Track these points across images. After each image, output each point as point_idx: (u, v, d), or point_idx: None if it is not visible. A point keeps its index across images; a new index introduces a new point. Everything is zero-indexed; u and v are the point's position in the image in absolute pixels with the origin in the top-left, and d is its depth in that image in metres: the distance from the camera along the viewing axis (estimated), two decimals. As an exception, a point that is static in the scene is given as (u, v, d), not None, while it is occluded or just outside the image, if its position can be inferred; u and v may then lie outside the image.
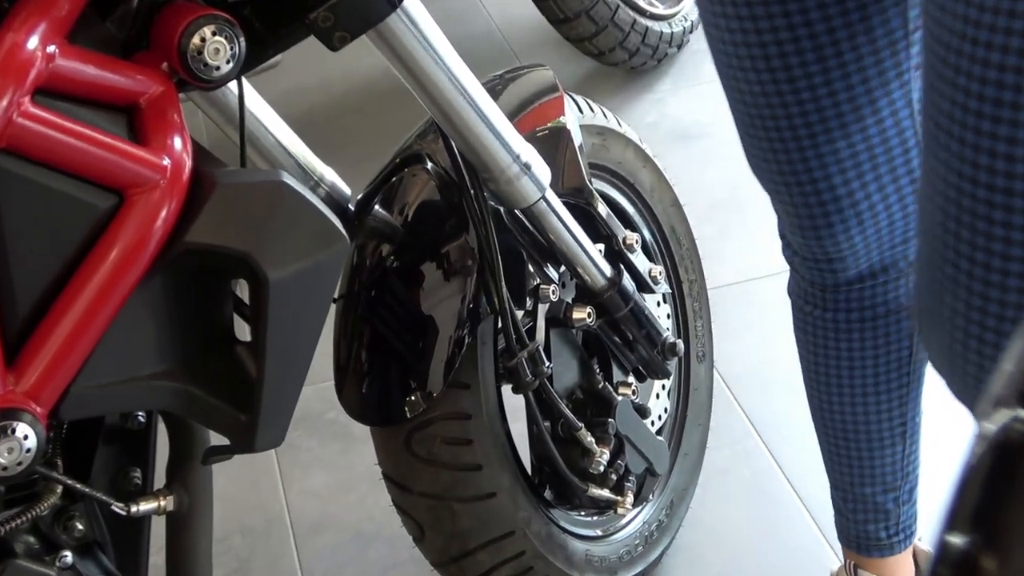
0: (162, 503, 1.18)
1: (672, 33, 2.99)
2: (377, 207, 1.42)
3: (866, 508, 1.56)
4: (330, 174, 1.44)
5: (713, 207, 2.55)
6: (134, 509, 1.15)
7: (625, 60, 2.93)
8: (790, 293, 1.49)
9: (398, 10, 1.16)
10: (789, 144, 1.25)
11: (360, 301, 1.41)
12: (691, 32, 3.08)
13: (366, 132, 2.93)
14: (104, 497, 1.13)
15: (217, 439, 1.16)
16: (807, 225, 1.32)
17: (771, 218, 2.56)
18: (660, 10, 2.97)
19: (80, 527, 1.14)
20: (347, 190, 1.47)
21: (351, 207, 1.48)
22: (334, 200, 1.44)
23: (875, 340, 1.43)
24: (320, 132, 2.93)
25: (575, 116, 1.56)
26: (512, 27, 3.27)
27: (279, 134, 1.38)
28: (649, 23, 2.91)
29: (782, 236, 1.44)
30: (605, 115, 1.68)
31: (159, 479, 1.23)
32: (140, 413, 1.18)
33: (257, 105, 1.37)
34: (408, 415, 1.39)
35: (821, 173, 1.26)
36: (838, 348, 1.45)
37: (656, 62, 3.01)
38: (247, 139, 1.27)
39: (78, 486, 1.11)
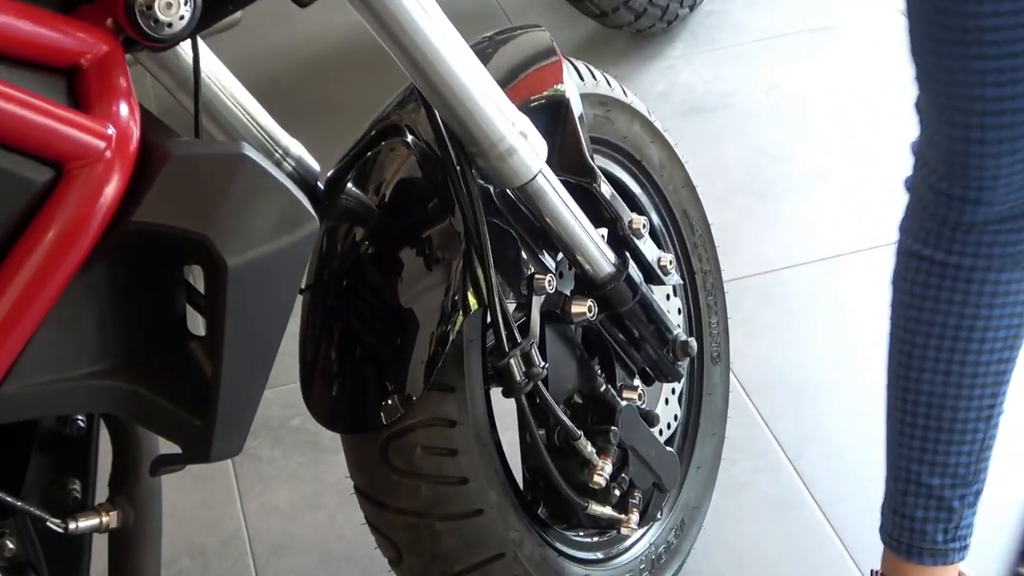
0: (104, 519, 1.18)
1: (684, -8, 3.00)
2: (350, 185, 1.43)
3: (928, 503, 1.57)
4: (296, 147, 1.43)
5: (731, 189, 2.55)
6: (72, 526, 1.15)
7: (630, 22, 2.93)
8: (903, 231, 1.52)
9: None
10: (1004, 59, 1.31)
11: (330, 292, 1.41)
12: (706, -10, 3.09)
13: (337, 100, 2.93)
14: (38, 512, 1.13)
15: (167, 447, 1.15)
16: (974, 138, 1.36)
17: (796, 202, 2.56)
18: (670, -35, 2.98)
19: (11, 546, 1.14)
20: (316, 166, 1.47)
21: (320, 185, 1.48)
22: (301, 177, 1.44)
23: (993, 297, 1.46)
24: (285, 99, 2.91)
25: (575, 84, 1.56)
26: (500, -19, 3.28)
27: (239, 101, 1.38)
28: (658, -20, 2.92)
29: (922, 161, 1.47)
30: (609, 83, 1.68)
31: (101, 492, 1.22)
32: (80, 417, 1.18)
33: (214, 68, 1.37)
34: (384, 421, 1.38)
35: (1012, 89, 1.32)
36: (951, 300, 1.48)
37: (666, 24, 3.01)
38: (203, 107, 1.27)
39: (9, 499, 1.11)
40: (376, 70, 1.61)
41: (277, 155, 1.43)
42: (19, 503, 1.12)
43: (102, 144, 0.99)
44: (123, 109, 1.02)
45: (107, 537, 1.22)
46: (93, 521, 1.17)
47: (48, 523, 1.14)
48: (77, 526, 1.15)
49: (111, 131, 1.00)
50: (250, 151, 1.05)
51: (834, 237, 2.46)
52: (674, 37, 3.07)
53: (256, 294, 1.06)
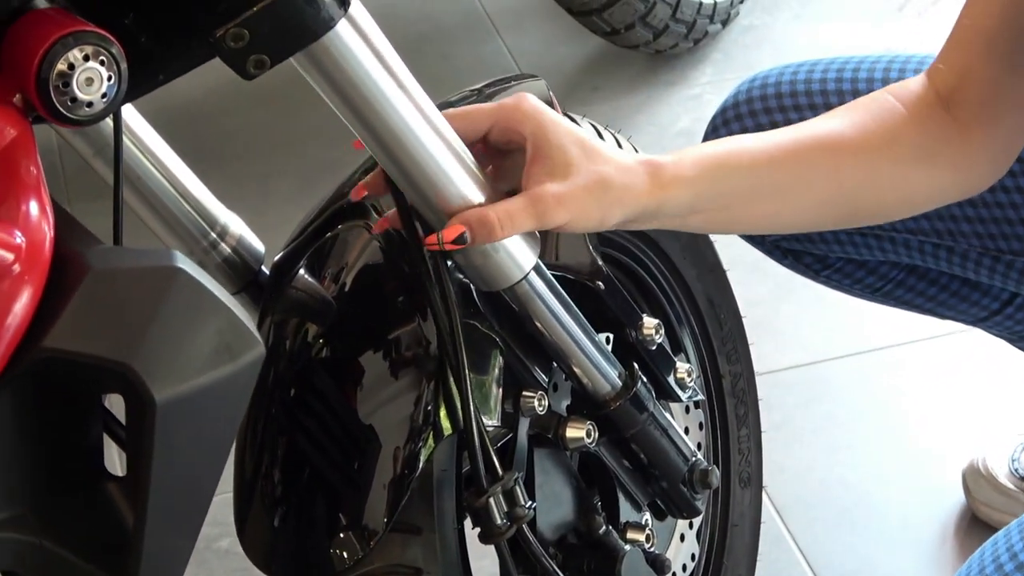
0: None
1: (715, 4, 3.06)
2: (301, 272, 1.48)
3: None
4: (236, 224, 1.49)
5: (766, 258, 2.59)
6: None
7: (648, 41, 3.00)
8: None
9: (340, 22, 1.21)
10: None
11: (275, 400, 1.45)
12: (742, 2, 3.15)
13: (275, 136, 2.94)
14: None
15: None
16: None
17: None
18: (699, -30, 3.05)
19: None
20: (259, 246, 1.52)
21: (264, 270, 1.53)
22: (242, 261, 1.49)
23: None
24: (207, 138, 2.92)
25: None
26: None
27: (165, 167, 1.44)
28: (684, -11, 2.98)
29: None
30: (620, 143, 1.72)
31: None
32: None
33: (136, 127, 1.42)
34: (337, 567, 1.41)
35: None
36: None
37: (691, 43, 3.08)
38: (123, 174, 1.32)
39: None
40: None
41: (213, 235, 1.48)
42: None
43: (10, 257, 1.04)
44: (33, 210, 1.07)
45: None
46: None
47: None
48: None
49: (20, 240, 1.04)
50: (184, 263, 1.10)
51: (889, 322, 2.51)
52: (702, 58, 3.13)
53: (189, 432, 1.11)
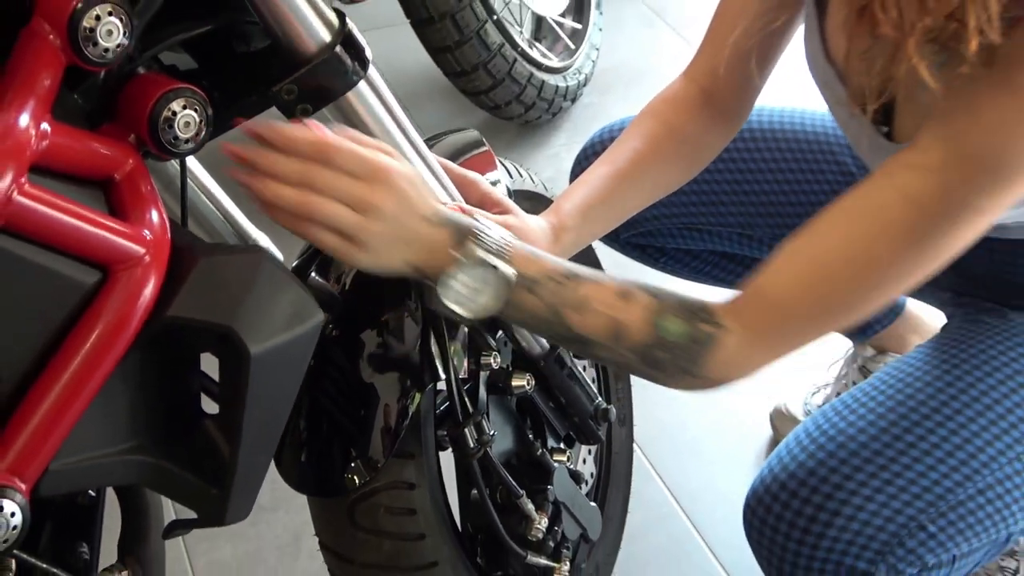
0: (120, 578, 1.23)
1: (567, 87, 3.12)
2: (313, 275, 1.49)
3: None
4: (264, 240, 1.50)
5: (619, 262, 2.65)
6: (93, 584, 1.20)
7: (521, 114, 3.04)
8: None
9: (360, 82, 1.24)
10: None
11: None
12: (584, 86, 3.22)
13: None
14: (62, 573, 1.18)
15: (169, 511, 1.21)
16: None
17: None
18: (555, 63, 3.10)
19: (35, 604, 1.18)
20: (280, 257, 1.53)
21: (285, 276, 1.54)
22: (268, 267, 1.50)
23: None
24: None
25: (506, 178, 1.65)
26: (397, 75, 3.35)
27: (212, 195, 1.44)
28: (545, 76, 3.03)
29: None
30: (532, 180, 1.77)
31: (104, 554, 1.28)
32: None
33: (190, 163, 1.43)
34: (349, 486, 1.44)
35: None
36: None
37: (551, 116, 3.13)
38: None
39: (33, 561, 1.15)
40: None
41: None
42: (44, 564, 1.16)
43: (142, 250, 1.06)
44: (155, 216, 1.09)
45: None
46: (111, 580, 1.22)
47: (70, 583, 1.18)
48: (97, 584, 1.20)
49: (148, 237, 1.06)
50: (266, 253, 1.13)
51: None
52: (558, 127, 3.18)
53: (272, 379, 1.12)
